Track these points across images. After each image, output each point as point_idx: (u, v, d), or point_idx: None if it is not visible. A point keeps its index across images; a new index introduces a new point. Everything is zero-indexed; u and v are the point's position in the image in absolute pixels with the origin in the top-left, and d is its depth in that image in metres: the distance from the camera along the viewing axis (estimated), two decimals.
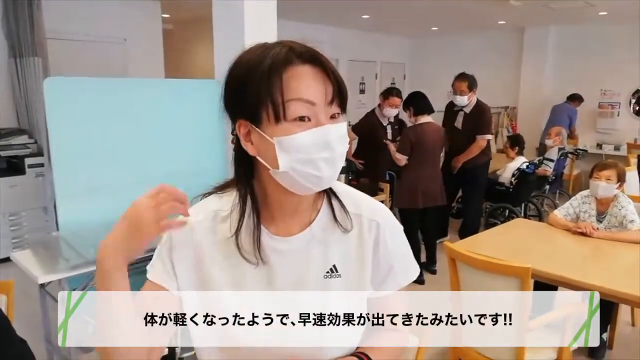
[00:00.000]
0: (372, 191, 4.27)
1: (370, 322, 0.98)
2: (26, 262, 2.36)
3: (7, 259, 4.08)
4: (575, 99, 6.91)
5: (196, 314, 0.89)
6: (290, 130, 0.80)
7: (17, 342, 1.54)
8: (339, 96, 0.82)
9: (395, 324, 0.98)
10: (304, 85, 0.80)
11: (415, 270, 1.02)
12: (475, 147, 4.35)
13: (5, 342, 1.52)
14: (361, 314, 0.93)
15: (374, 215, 0.95)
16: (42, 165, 4.39)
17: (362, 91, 8.89)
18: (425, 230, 4.18)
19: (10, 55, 4.66)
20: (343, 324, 0.90)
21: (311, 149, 0.80)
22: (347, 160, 4.10)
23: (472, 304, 2.22)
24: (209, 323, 0.88)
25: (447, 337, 2.42)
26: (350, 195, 0.97)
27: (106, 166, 2.94)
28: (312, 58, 0.81)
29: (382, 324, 0.98)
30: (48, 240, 2.67)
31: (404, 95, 4.26)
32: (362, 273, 0.94)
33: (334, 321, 0.89)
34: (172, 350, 2.28)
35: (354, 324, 0.91)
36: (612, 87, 7.29)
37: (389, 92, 4.50)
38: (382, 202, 3.95)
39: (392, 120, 4.61)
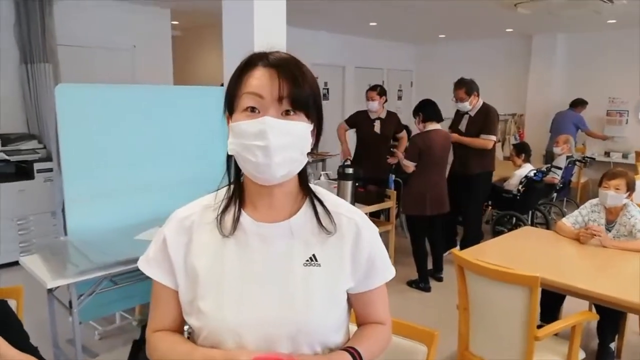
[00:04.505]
0: (378, 198, 4.27)
1: (356, 317, 1.09)
2: (35, 267, 2.37)
3: (14, 263, 4.14)
4: (577, 104, 6.88)
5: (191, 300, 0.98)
6: (239, 118, 0.92)
7: (32, 347, 1.56)
8: (292, 96, 0.90)
9: (379, 319, 1.08)
10: (257, 82, 0.90)
11: (392, 269, 1.08)
12: (478, 141, 4.30)
13: (25, 339, 1.54)
14: (339, 302, 1.00)
15: (353, 214, 1.03)
16: (50, 170, 4.42)
17: None
18: (432, 237, 4.17)
19: (22, 62, 4.72)
20: (323, 309, 0.96)
21: (249, 136, 0.89)
22: (352, 166, 4.12)
23: (480, 313, 2.23)
24: (193, 302, 0.97)
25: (455, 345, 2.41)
26: (330, 197, 1.05)
27: (115, 172, 2.96)
28: (275, 64, 0.91)
29: (368, 320, 1.08)
30: (56, 245, 2.68)
31: (413, 103, 4.27)
32: (342, 266, 1.00)
33: (313, 305, 0.95)
34: None
35: (333, 310, 0.99)
36: (620, 95, 7.26)
37: (368, 88, 4.70)
38: (388, 209, 3.93)
39: (382, 116, 4.64)
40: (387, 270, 1.07)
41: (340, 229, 1.00)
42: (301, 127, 0.92)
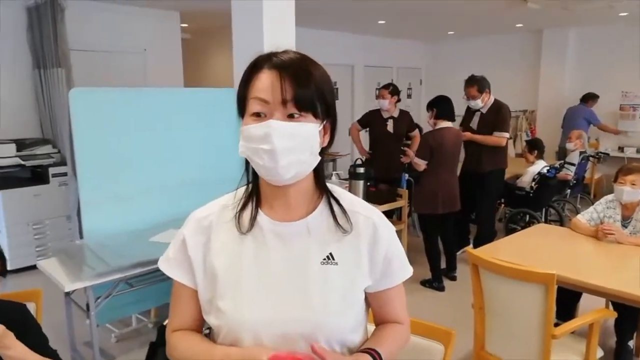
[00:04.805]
0: (390, 197, 4.26)
1: (373, 317, 1.10)
2: (52, 271, 2.40)
3: (30, 267, 4.20)
4: (588, 99, 6.79)
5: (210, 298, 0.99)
6: (248, 122, 0.93)
7: (51, 350, 1.58)
8: (296, 98, 0.90)
9: (397, 318, 1.09)
10: (261, 86, 0.91)
11: (410, 268, 1.09)
12: (491, 139, 4.26)
13: (44, 342, 1.57)
14: (356, 301, 1.01)
15: (370, 213, 1.04)
16: (65, 174, 4.47)
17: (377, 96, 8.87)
18: (444, 236, 4.15)
19: (35, 67, 4.78)
20: (340, 308, 0.97)
21: (256, 139, 0.91)
22: (364, 166, 4.11)
23: (496, 311, 2.22)
24: (212, 301, 0.98)
25: (470, 344, 2.40)
26: (346, 195, 1.06)
27: (129, 174, 2.99)
28: (280, 65, 0.92)
29: (386, 319, 1.09)
30: (72, 249, 2.71)
31: (425, 100, 4.25)
32: (359, 264, 1.00)
33: (330, 304, 0.96)
34: None
35: (350, 309, 0.99)
36: (633, 89, 7.16)
37: (381, 86, 4.73)
38: (400, 208, 3.92)
39: (395, 115, 4.63)
40: (404, 269, 1.07)
41: (357, 228, 1.01)
42: (307, 129, 0.92)
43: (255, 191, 1.02)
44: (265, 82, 0.91)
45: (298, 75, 0.91)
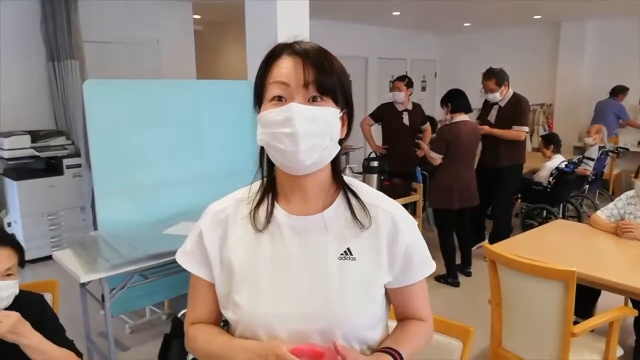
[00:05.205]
0: (404, 191, 4.22)
1: (395, 313, 1.08)
2: (67, 262, 2.41)
3: (45, 258, 4.24)
4: (618, 92, 6.64)
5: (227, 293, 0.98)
6: (267, 108, 0.91)
7: (68, 340, 1.58)
8: (318, 81, 0.89)
9: (419, 315, 1.06)
10: (283, 71, 0.90)
11: (432, 264, 1.06)
12: (510, 133, 4.17)
13: (61, 333, 1.57)
14: (376, 297, 0.98)
15: (391, 207, 1.01)
16: (79, 166, 4.50)
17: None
18: (460, 231, 4.10)
19: (49, 59, 4.80)
20: (358, 303, 0.95)
21: (276, 124, 0.89)
22: (377, 159, 4.07)
23: (514, 308, 2.18)
24: (229, 296, 0.97)
25: (486, 341, 2.36)
26: (367, 189, 1.03)
27: (143, 167, 2.99)
28: (301, 52, 0.91)
29: (407, 316, 1.06)
30: (87, 240, 2.72)
31: (439, 93, 4.19)
32: (378, 260, 0.97)
33: (348, 300, 0.94)
34: None
35: (369, 305, 0.97)
36: None
37: (395, 78, 4.65)
38: (414, 202, 3.88)
39: (409, 107, 4.57)
40: (426, 264, 1.04)
41: (376, 222, 0.98)
42: (328, 113, 0.90)
43: (271, 185, 1.00)
44: (286, 67, 0.90)
45: (320, 61, 0.90)
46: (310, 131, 0.88)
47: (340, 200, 0.99)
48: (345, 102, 0.94)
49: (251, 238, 0.97)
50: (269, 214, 0.97)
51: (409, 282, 1.02)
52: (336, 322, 0.93)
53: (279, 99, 0.90)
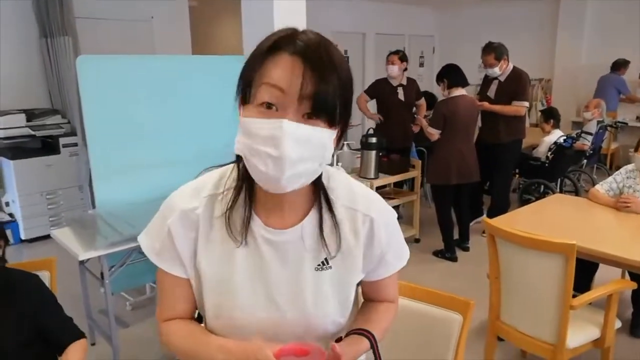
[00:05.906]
0: (403, 167, 4.21)
1: (362, 294, 1.08)
2: (66, 240, 2.41)
3: (45, 237, 4.24)
4: (620, 66, 6.59)
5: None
6: (252, 114, 0.79)
7: (66, 317, 1.58)
8: (318, 97, 0.76)
9: (388, 299, 1.07)
10: (279, 72, 0.77)
11: (406, 255, 1.04)
12: (510, 109, 4.13)
13: (60, 312, 1.57)
14: (351, 300, 0.98)
15: (369, 210, 0.95)
16: (75, 144, 4.46)
17: None
18: (458, 207, 4.11)
19: (42, 36, 4.71)
20: (335, 310, 0.95)
21: (259, 139, 0.77)
22: (375, 135, 4.04)
23: (512, 282, 2.19)
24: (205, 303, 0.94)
25: (483, 314, 2.38)
26: (348, 187, 0.96)
27: (139, 144, 2.96)
28: (303, 52, 0.77)
29: (377, 299, 1.07)
30: (85, 218, 2.71)
31: (438, 69, 4.13)
32: (353, 264, 0.96)
33: (325, 308, 0.94)
34: None
35: (345, 310, 0.97)
36: None
37: (390, 52, 4.57)
38: (413, 178, 3.87)
39: (404, 82, 4.53)
40: (399, 259, 1.03)
41: (355, 227, 0.94)
42: (322, 136, 0.80)
43: (248, 190, 0.90)
44: (284, 68, 0.77)
45: (323, 68, 0.77)
46: (299, 156, 0.77)
47: (315, 212, 0.92)
48: (344, 110, 0.82)
49: (225, 246, 0.91)
50: (246, 224, 0.89)
51: (383, 276, 1.02)
52: (312, 328, 0.94)
53: (269, 106, 0.77)
